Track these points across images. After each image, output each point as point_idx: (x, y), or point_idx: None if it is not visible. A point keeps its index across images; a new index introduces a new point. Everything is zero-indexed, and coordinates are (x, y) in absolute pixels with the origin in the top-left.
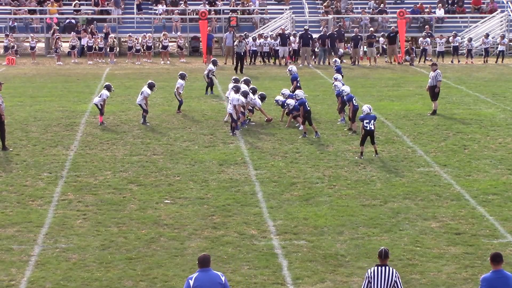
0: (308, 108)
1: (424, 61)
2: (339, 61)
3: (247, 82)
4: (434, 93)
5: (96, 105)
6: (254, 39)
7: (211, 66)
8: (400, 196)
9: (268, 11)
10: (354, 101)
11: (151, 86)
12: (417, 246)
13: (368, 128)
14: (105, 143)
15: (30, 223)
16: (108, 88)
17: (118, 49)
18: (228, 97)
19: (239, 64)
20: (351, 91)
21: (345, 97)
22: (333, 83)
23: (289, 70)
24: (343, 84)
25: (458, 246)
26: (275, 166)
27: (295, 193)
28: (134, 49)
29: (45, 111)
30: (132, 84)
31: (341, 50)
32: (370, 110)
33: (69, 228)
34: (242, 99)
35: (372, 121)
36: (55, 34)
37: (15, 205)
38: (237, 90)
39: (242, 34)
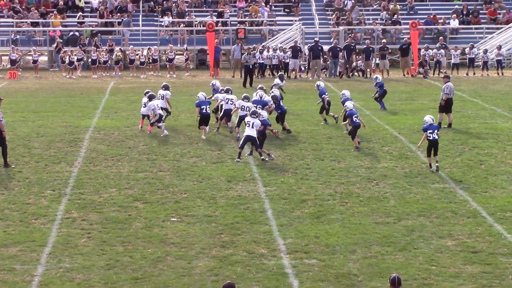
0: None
1: (438, 74)
2: (380, 77)
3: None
4: (448, 105)
5: (146, 115)
6: (261, 52)
7: (277, 80)
8: (415, 213)
9: (277, 22)
10: (354, 118)
11: (168, 87)
12: (433, 265)
13: (431, 138)
14: (109, 159)
15: (33, 242)
16: (166, 87)
17: (122, 63)
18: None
19: (247, 77)
20: (363, 105)
21: (346, 112)
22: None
23: (317, 85)
24: (350, 100)
25: (475, 265)
26: (285, 182)
27: (305, 211)
28: (139, 62)
29: (48, 126)
30: (137, 98)
31: (354, 63)
32: (432, 121)
33: (73, 247)
34: (258, 122)
35: (436, 131)
36: (59, 47)
37: (17, 223)
38: (253, 113)
39: (250, 47)
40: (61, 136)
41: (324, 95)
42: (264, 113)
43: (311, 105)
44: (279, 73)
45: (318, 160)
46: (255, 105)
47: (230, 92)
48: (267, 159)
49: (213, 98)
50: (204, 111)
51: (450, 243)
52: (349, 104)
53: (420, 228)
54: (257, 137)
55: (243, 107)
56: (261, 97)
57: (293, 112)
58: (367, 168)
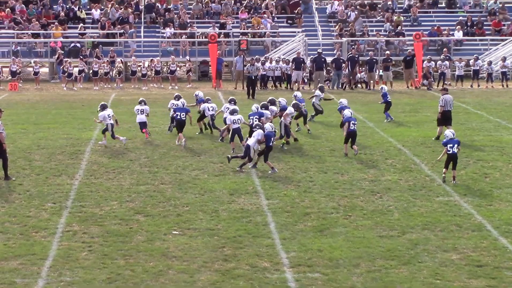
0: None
1: (443, 85)
2: (385, 88)
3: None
4: (446, 118)
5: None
6: (263, 63)
7: (318, 92)
8: (419, 227)
9: (280, 34)
10: (352, 125)
11: (179, 97)
12: (437, 279)
13: (451, 152)
14: (111, 172)
15: (34, 255)
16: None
17: (124, 74)
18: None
19: (250, 89)
20: (366, 117)
21: (343, 119)
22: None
23: (340, 102)
24: (348, 108)
25: (480, 279)
26: (288, 195)
27: (309, 224)
28: (140, 74)
29: (49, 138)
30: None
31: (358, 75)
32: (453, 135)
33: (74, 260)
34: (260, 131)
35: (456, 145)
36: (60, 58)
37: (18, 236)
38: (257, 125)
39: (253, 58)
40: (62, 148)
41: (301, 105)
42: (268, 126)
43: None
44: (320, 84)
45: (321, 173)
46: (252, 117)
47: (233, 102)
48: (269, 172)
49: (200, 108)
50: (179, 117)
51: (454, 256)
52: (347, 112)
53: (425, 242)
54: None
55: (234, 120)
56: (257, 109)
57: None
58: (371, 181)
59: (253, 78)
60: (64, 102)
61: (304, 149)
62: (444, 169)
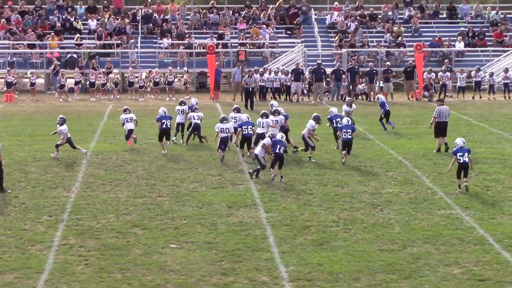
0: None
1: (444, 97)
2: (382, 97)
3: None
4: (440, 129)
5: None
6: (261, 74)
7: (346, 107)
8: (420, 241)
9: (279, 44)
10: (344, 133)
11: (184, 103)
12: None
13: (461, 161)
14: (107, 184)
15: (30, 269)
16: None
17: (121, 85)
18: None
19: (248, 100)
20: (366, 129)
21: (338, 126)
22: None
23: (330, 111)
24: (340, 116)
25: None
26: (287, 208)
27: (308, 237)
28: (138, 85)
29: (45, 150)
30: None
31: (360, 87)
32: (463, 144)
33: (70, 274)
34: (267, 140)
35: (466, 153)
36: (57, 69)
37: (13, 250)
38: (272, 136)
39: (251, 70)
40: (58, 161)
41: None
42: (278, 135)
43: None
44: (347, 98)
45: (321, 186)
46: (246, 128)
47: (236, 111)
48: (281, 180)
49: (187, 117)
50: (164, 126)
51: (456, 271)
52: (344, 120)
53: (426, 256)
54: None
55: (222, 129)
56: (248, 118)
57: (294, 137)
58: (371, 193)
59: (251, 89)
60: (60, 114)
61: (303, 161)
62: (457, 180)
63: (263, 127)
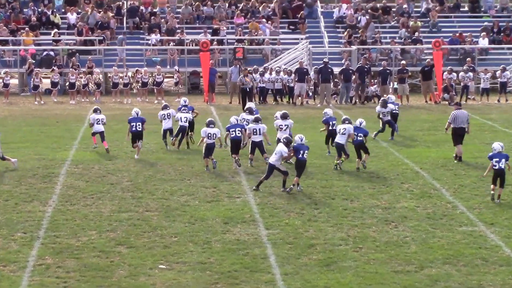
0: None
1: (466, 100)
2: (393, 98)
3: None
4: (457, 136)
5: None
6: (261, 74)
7: (379, 108)
8: (439, 261)
9: (281, 41)
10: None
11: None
12: None
13: (497, 167)
14: (89, 197)
15: None
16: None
17: (104, 86)
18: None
19: (245, 102)
20: (379, 136)
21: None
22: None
23: (325, 113)
24: (334, 119)
25: None
26: (290, 224)
27: (314, 257)
28: (122, 86)
29: (19, 159)
30: (121, 127)
31: (371, 88)
32: (502, 148)
33: None
34: (285, 149)
35: (504, 160)
36: (31, 69)
37: None
38: (288, 142)
39: (246, 68)
40: (33, 171)
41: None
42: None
43: (320, 135)
44: (382, 98)
45: (328, 199)
46: (234, 130)
47: (248, 111)
48: (290, 189)
49: (176, 118)
50: (134, 128)
51: None
52: (357, 122)
53: (446, 278)
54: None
55: (209, 134)
56: (237, 120)
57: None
58: (384, 208)
59: (248, 90)
60: (36, 118)
61: (308, 172)
62: (492, 185)
63: (259, 134)
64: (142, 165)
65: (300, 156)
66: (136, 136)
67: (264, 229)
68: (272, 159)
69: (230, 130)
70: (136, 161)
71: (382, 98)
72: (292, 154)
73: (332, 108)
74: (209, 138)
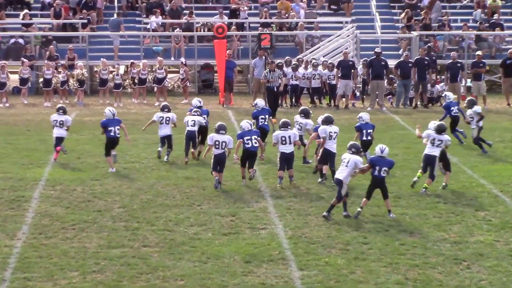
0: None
1: None
2: (451, 95)
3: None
4: None
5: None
6: (294, 68)
7: (470, 112)
8: None
9: (320, 25)
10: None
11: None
12: None
13: None
14: (69, 228)
15: None
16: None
17: (89, 84)
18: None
19: (272, 105)
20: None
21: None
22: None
23: (359, 117)
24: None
25: None
26: (331, 264)
27: None
28: (113, 84)
29: None
30: None
31: (438, 87)
32: None
33: None
34: (360, 159)
35: None
36: None
37: None
38: (357, 151)
39: (273, 61)
40: None
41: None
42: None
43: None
44: (469, 98)
45: (380, 231)
46: (249, 138)
47: (303, 115)
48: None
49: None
50: (112, 134)
51: None
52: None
53: None
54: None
55: (217, 142)
56: (251, 125)
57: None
58: (454, 243)
59: (276, 89)
60: (0, 125)
61: (355, 194)
62: None
63: (289, 142)
64: (138, 186)
65: (376, 173)
66: (114, 144)
67: (297, 270)
68: (342, 173)
69: (244, 138)
70: (130, 181)
71: (469, 98)
72: (368, 168)
73: (386, 112)
74: (217, 147)
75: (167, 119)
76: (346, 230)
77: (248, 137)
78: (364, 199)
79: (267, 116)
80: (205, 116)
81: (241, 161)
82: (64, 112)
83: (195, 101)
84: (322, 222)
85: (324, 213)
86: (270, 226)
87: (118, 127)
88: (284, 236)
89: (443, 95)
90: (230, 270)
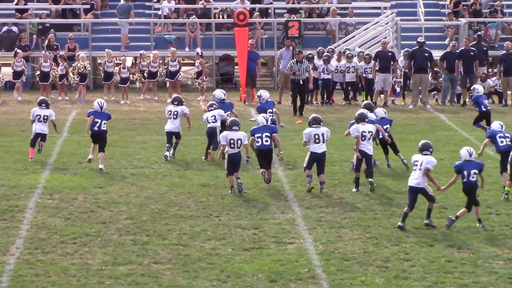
0: None
1: None
2: (480, 89)
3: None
4: None
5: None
6: (326, 61)
7: None
8: None
9: (355, 11)
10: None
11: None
12: None
13: None
14: (69, 242)
15: None
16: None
17: (92, 78)
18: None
19: (297, 101)
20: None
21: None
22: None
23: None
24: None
25: None
26: (368, 283)
27: None
28: (119, 78)
29: None
30: (117, 139)
31: (489, 81)
32: None
33: None
34: (434, 160)
35: None
36: None
37: None
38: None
39: (308, 53)
40: None
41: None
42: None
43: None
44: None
45: (424, 246)
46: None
47: (368, 109)
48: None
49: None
50: (96, 127)
51: None
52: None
53: None
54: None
55: (232, 141)
56: (267, 120)
57: (382, 167)
58: (508, 260)
59: (301, 82)
60: None
61: (394, 203)
62: None
63: (322, 141)
64: (148, 194)
65: (465, 179)
66: (97, 138)
67: None
68: (416, 178)
69: (255, 134)
70: (139, 189)
71: None
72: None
73: (430, 110)
74: (232, 146)
75: (175, 113)
76: (384, 245)
77: (259, 134)
78: (476, 208)
79: (274, 110)
80: (230, 110)
81: (258, 161)
82: (47, 106)
83: (219, 92)
84: (357, 236)
85: (425, 220)
86: (298, 240)
87: (106, 121)
88: (314, 252)
89: (472, 88)
90: None
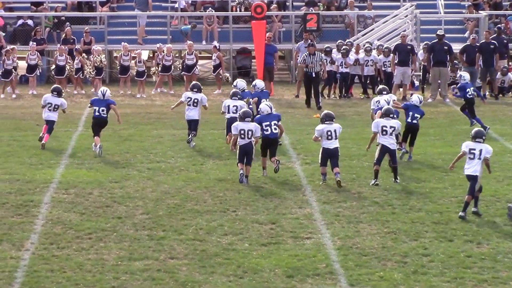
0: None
1: None
2: (467, 76)
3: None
4: None
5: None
6: (344, 54)
7: None
8: None
9: (374, 4)
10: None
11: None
12: None
13: None
14: (85, 237)
15: None
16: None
17: (108, 72)
18: None
19: (311, 94)
20: None
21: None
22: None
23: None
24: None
25: None
26: (386, 279)
27: None
28: (135, 72)
29: None
30: (133, 133)
31: (510, 75)
32: None
33: None
34: (490, 148)
35: None
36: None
37: None
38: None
39: (326, 46)
40: (3, 198)
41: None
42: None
43: (432, 146)
44: None
45: (444, 241)
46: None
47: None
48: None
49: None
50: (97, 113)
51: None
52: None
53: None
54: None
55: (242, 131)
56: (271, 108)
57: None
58: None
59: (314, 75)
60: (7, 120)
61: (413, 199)
62: None
63: (334, 137)
64: (164, 189)
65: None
66: (99, 124)
67: (348, 285)
68: (474, 167)
69: (263, 123)
70: (155, 184)
71: None
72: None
73: (449, 103)
74: (243, 136)
75: (195, 101)
76: (403, 240)
77: (267, 123)
78: None
79: (268, 100)
80: (252, 99)
81: (261, 150)
82: (59, 94)
83: (240, 82)
84: (375, 230)
85: (460, 213)
86: (316, 235)
87: (103, 108)
88: (332, 247)
89: (458, 75)
90: (270, 285)
